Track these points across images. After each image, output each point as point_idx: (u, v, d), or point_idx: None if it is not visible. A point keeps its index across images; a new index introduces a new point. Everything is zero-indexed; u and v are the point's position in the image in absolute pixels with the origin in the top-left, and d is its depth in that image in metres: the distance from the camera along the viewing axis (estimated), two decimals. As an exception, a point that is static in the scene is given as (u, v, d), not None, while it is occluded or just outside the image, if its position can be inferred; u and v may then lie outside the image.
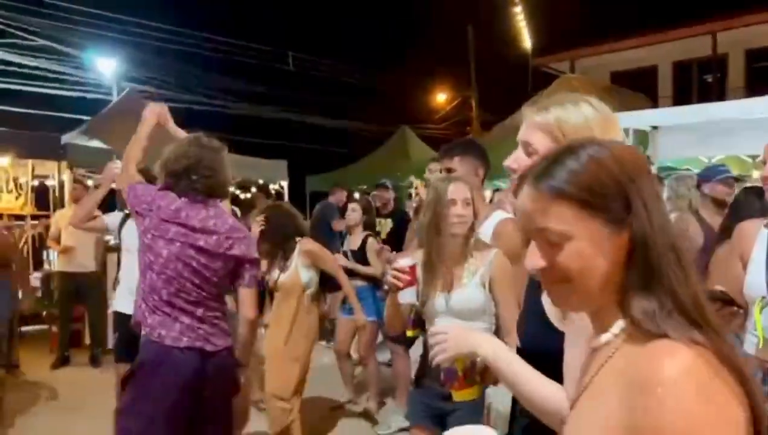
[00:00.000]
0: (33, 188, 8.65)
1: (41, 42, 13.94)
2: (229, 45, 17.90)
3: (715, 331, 0.85)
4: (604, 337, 0.93)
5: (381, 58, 22.81)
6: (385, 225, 6.01)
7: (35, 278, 7.86)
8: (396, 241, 5.84)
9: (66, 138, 8.29)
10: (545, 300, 1.46)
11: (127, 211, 4.02)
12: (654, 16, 15.48)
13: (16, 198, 8.41)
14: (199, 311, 2.66)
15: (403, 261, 2.31)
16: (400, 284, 2.27)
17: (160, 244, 2.64)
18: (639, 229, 0.88)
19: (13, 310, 4.88)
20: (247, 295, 2.83)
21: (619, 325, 0.91)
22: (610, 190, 0.88)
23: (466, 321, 2.37)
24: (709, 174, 4.22)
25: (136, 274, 2.82)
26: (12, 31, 13.40)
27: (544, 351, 1.31)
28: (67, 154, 7.78)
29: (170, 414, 2.55)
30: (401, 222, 5.92)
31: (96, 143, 8.54)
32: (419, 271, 2.41)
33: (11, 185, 8.36)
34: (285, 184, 11.13)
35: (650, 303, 0.86)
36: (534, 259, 0.93)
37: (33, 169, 8.30)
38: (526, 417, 1.40)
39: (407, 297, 2.31)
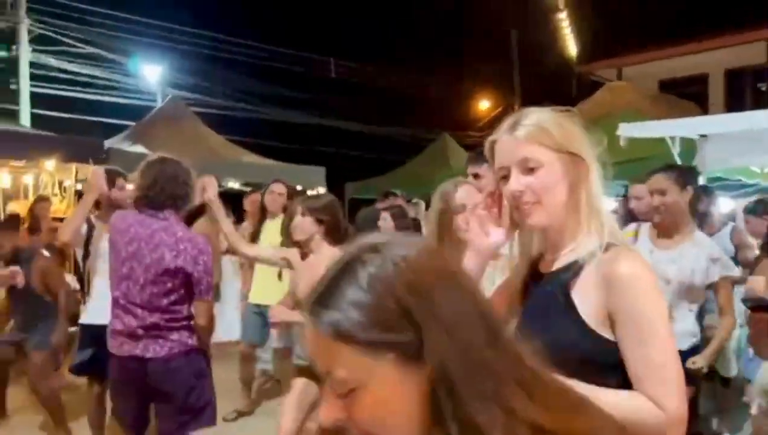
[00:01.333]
0: (76, 192, 8.83)
1: (90, 50, 14.33)
2: (272, 52, 18.10)
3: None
4: None
5: (423, 65, 22.70)
6: None
7: (75, 280, 7.98)
8: None
9: (109, 143, 8.46)
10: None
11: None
12: (705, 22, 14.99)
13: (61, 201, 8.60)
14: (148, 321, 2.79)
15: None
16: None
17: (114, 259, 2.88)
18: (435, 357, 0.71)
19: (57, 342, 4.67)
20: (197, 307, 2.89)
21: None
22: (396, 318, 0.71)
23: None
24: None
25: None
26: (61, 39, 13.81)
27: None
28: (109, 159, 7.92)
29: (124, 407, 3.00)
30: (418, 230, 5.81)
31: (138, 148, 8.71)
32: None
33: (56, 188, 8.56)
34: (323, 190, 11.13)
35: None
36: (324, 412, 0.76)
37: (76, 173, 8.47)
38: None
39: None
